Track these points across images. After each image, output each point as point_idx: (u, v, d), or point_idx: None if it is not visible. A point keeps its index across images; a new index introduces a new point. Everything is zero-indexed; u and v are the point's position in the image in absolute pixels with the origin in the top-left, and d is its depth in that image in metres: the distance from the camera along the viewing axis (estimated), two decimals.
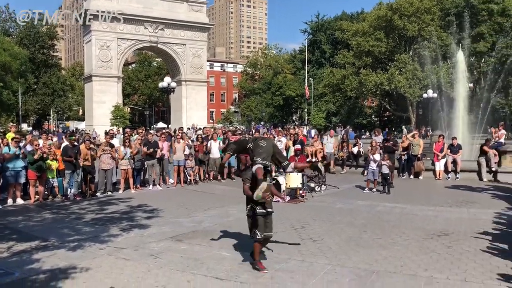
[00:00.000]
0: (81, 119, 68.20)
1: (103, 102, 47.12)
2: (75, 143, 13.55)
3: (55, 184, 12.95)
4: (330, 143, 19.23)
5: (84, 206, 11.71)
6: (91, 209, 11.21)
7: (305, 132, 27.67)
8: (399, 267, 6.48)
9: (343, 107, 58.33)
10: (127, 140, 14.53)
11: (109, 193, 13.59)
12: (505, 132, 18.80)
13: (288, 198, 12.09)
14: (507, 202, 11.99)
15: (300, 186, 12.36)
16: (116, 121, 44.13)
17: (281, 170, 13.24)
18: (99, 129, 37.73)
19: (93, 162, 13.43)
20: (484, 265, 6.52)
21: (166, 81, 32.55)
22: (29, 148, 12.57)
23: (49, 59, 66.32)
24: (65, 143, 13.87)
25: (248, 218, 6.48)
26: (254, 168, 6.13)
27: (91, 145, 13.72)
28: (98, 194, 13.39)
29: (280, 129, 27.06)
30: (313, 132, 31.45)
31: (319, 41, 66.51)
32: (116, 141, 16.41)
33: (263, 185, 5.90)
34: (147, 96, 78.99)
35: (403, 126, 45.18)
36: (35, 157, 11.99)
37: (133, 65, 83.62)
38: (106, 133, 16.01)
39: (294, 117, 72.56)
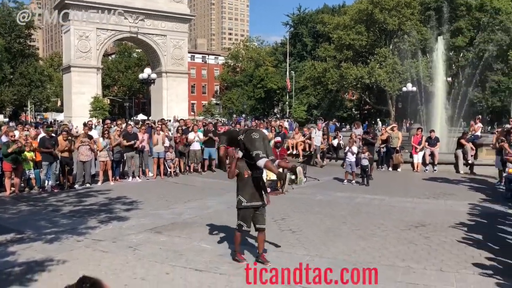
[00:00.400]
0: (60, 110, 67.01)
1: (82, 93, 46.31)
2: (53, 134, 13.32)
3: (32, 176, 12.70)
4: (318, 136, 19.19)
5: (62, 198, 11.53)
6: (69, 201, 11.05)
7: (286, 125, 27.72)
8: (377, 258, 6.56)
9: (324, 100, 58.60)
10: (106, 132, 14.35)
11: (88, 185, 13.40)
12: (481, 126, 19.15)
13: (269, 190, 12.09)
14: (483, 193, 12.26)
15: None
16: (96, 112, 43.49)
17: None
18: (77, 121, 37.06)
19: (70, 153, 13.21)
20: (460, 255, 6.66)
21: (146, 72, 32.12)
22: (4, 139, 12.29)
23: (26, 49, 64.69)
24: (42, 134, 13.61)
25: (237, 210, 6.32)
26: (261, 163, 5.92)
27: (69, 137, 13.49)
28: (76, 186, 13.19)
29: (261, 121, 27.04)
30: (293, 124, 31.55)
31: (301, 34, 66.58)
32: (95, 133, 16.19)
33: (288, 176, 5.80)
34: (127, 88, 77.97)
35: (378, 119, 45.55)
36: (9, 150, 11.69)
37: (113, 56, 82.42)
38: (85, 125, 15.75)
39: (275, 110, 72.61)
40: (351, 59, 47.59)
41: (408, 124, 34.73)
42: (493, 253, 6.72)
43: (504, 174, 11.98)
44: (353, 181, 14.09)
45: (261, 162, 5.92)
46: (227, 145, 6.69)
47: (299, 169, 6.19)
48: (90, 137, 13.85)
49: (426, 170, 17.03)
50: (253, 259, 6.37)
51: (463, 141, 16.70)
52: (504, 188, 12.23)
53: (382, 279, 5.69)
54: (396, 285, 5.47)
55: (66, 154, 12.91)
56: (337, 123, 36.60)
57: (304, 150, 19.80)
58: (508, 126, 15.79)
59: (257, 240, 6.41)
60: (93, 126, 18.31)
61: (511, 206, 10.27)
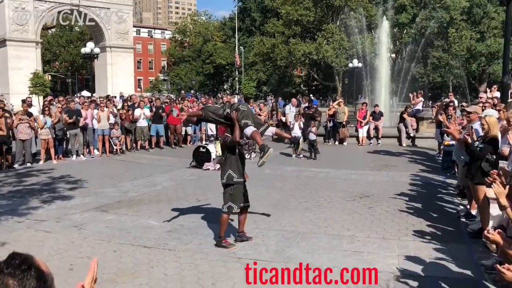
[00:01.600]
0: None
1: (19, 68, 43.90)
2: None
3: None
4: (292, 112, 18.62)
5: (0, 178, 10.98)
6: (8, 182, 10.54)
7: (235, 101, 27.56)
8: (324, 228, 6.75)
9: (273, 76, 58.74)
10: (46, 108, 13.69)
11: (28, 164, 12.81)
12: (422, 100, 19.88)
13: (218, 166, 12.07)
14: (423, 165, 12.84)
15: None
16: (36, 89, 41.41)
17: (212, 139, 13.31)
18: (16, 98, 35.14)
19: (8, 131, 12.51)
20: (401, 224, 6.97)
21: (89, 46, 30.85)
22: None
23: None
24: None
25: (225, 188, 6.00)
26: (248, 131, 5.68)
27: (4, 113, 12.72)
28: (16, 165, 12.57)
29: (210, 97, 26.78)
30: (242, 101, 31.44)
31: (249, 9, 65.86)
32: (34, 110, 15.41)
33: (270, 151, 5.49)
34: (69, 63, 74.46)
35: (311, 95, 46.24)
36: None
37: (53, 29, 78.26)
38: (24, 101, 14.93)
39: (225, 86, 72.05)
40: (299, 35, 47.77)
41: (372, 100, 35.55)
42: (431, 221, 7.08)
43: (442, 146, 12.54)
44: (301, 156, 14.33)
45: (248, 130, 5.73)
46: (206, 121, 6.59)
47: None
48: (30, 115, 13.18)
49: (371, 143, 17.58)
50: (200, 232, 6.38)
51: (405, 115, 17.34)
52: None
53: (328, 248, 5.87)
54: (342, 253, 5.66)
55: (2, 133, 12.21)
56: (301, 99, 37.24)
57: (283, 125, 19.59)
58: (447, 100, 16.48)
59: (240, 219, 6.18)
60: (40, 105, 17.35)
61: (448, 176, 10.81)
